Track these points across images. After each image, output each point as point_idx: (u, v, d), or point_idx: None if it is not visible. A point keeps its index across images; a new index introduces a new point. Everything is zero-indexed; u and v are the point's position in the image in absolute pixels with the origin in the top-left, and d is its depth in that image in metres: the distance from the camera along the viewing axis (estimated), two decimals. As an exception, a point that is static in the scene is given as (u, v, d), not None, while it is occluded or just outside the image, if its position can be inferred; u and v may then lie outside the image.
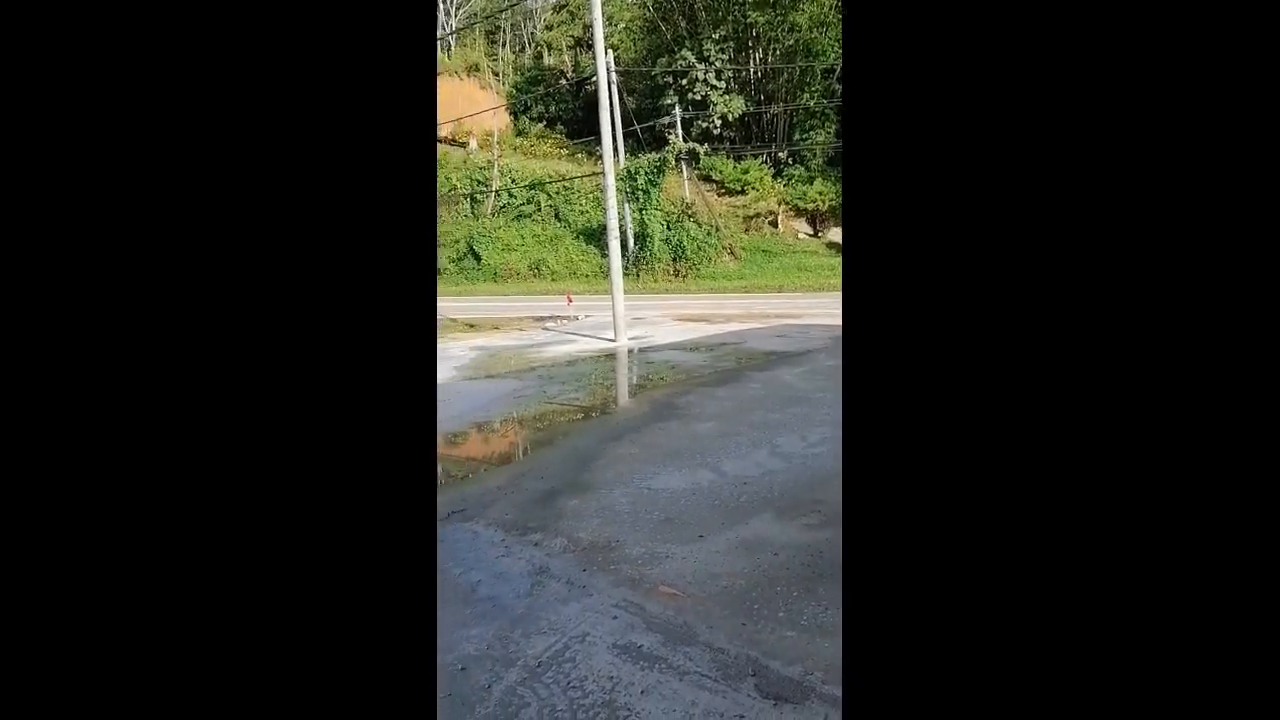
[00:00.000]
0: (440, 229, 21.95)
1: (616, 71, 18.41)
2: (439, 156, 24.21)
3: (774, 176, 20.31)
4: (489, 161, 22.56)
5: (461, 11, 33.57)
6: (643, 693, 1.93)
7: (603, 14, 9.39)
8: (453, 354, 8.73)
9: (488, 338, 10.29)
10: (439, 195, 22.45)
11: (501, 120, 24.93)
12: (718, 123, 20.48)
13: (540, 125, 26.14)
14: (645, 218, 18.67)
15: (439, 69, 28.05)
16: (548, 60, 29.46)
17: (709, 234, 18.89)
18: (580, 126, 24.17)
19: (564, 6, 30.10)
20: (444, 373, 7.40)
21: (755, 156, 20.79)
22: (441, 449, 4.73)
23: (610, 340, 9.24)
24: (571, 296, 14.43)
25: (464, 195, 22.37)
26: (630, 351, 8.57)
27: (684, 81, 20.30)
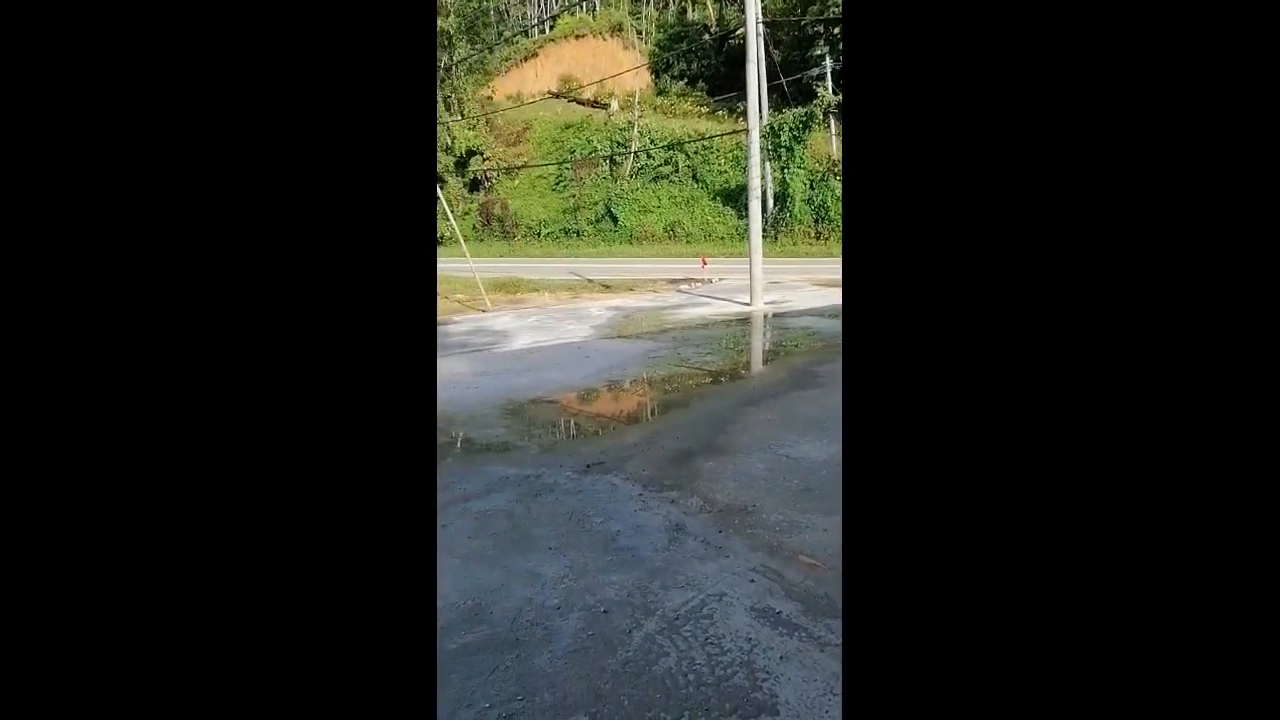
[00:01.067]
0: (580, 191, 22.58)
1: (763, 23, 17.55)
2: (581, 119, 24.78)
3: (933, 130, 18.55)
4: (629, 123, 22.68)
5: (606, -30, 33.53)
6: (781, 658, 1.91)
7: (754, -40, 8.93)
8: (591, 313, 9.03)
9: (623, 299, 10.51)
10: (579, 158, 23.03)
11: (643, 80, 24.89)
12: (871, 73, 18.95)
13: (681, 83, 25.78)
14: (787, 177, 17.90)
15: (583, 30, 28.44)
16: (691, 15, 28.77)
17: (855, 194, 17.74)
18: (721, 83, 23.48)
19: (709, -43, 29.05)
20: (582, 331, 7.68)
21: (912, 109, 19.07)
22: (578, 405, 4.94)
23: (745, 304, 9.07)
24: (706, 259, 14.30)
25: (604, 157, 22.75)
26: (766, 316, 8.35)
27: (836, 30, 18.94)
